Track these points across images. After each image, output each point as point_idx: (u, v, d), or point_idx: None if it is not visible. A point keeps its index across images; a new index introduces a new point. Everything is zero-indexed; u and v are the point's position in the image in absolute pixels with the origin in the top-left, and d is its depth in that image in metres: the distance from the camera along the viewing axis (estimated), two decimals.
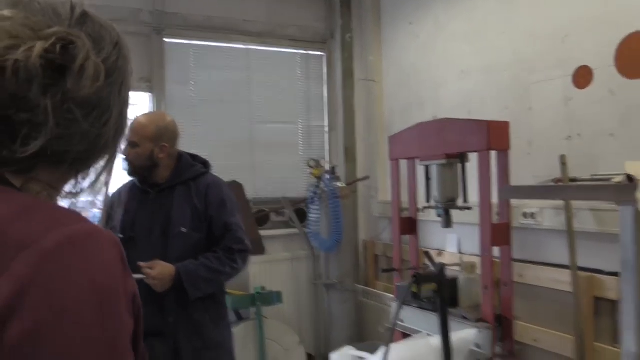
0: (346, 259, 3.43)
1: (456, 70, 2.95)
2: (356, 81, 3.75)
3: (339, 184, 3.29)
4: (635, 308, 1.34)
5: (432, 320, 2.23)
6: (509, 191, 1.09)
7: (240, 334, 3.01)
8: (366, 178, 3.54)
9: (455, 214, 2.42)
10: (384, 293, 3.30)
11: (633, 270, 1.33)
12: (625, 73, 2.07)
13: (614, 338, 2.09)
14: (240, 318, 3.22)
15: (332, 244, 3.26)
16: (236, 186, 3.10)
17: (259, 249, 3.06)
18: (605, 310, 2.13)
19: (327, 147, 3.86)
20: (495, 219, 2.17)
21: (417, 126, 2.49)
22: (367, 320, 3.44)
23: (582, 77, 2.22)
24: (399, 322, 2.61)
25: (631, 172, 0.78)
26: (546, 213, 2.32)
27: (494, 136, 2.07)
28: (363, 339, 3.41)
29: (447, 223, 2.33)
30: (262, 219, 3.51)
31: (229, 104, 3.57)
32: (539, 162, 2.36)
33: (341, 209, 3.24)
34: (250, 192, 3.39)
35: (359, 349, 2.65)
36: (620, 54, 2.08)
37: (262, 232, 3.34)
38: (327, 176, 3.30)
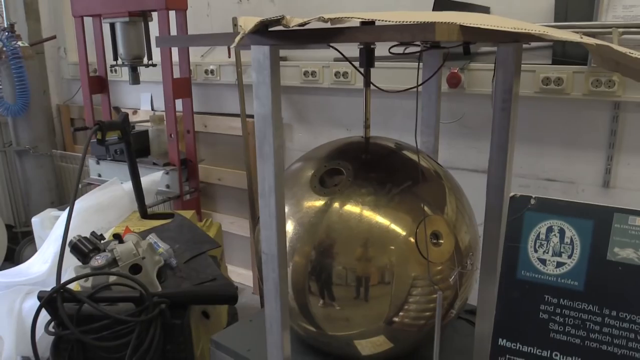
0: (38, 124, 3.31)
1: None
2: None
3: (20, 44, 3.04)
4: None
5: (127, 170, 2.44)
6: (164, 40, 1.30)
7: None
8: (52, 38, 3.34)
9: (148, 72, 2.58)
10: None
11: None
12: None
13: None
14: None
15: (18, 108, 3.08)
16: None
17: None
18: None
19: (1, 1, 3.44)
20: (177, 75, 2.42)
21: None
22: (68, 183, 3.47)
23: None
24: (97, 177, 2.77)
25: (242, 23, 1.06)
26: (223, 69, 2.66)
27: None
28: (66, 201, 3.45)
29: (135, 80, 2.49)
30: None
31: None
32: (216, 24, 2.64)
33: (25, 70, 3.04)
34: None
35: (61, 210, 2.74)
36: None
37: None
38: (5, 34, 3.01)
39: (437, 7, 1.90)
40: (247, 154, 2.58)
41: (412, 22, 0.82)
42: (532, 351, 0.88)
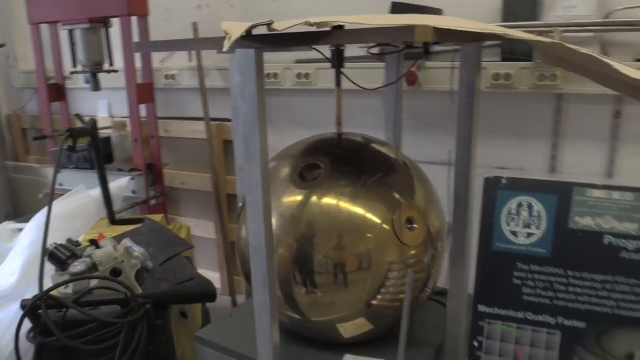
0: None
1: None
2: None
3: None
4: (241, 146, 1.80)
5: (89, 178, 2.43)
6: (142, 46, 1.34)
7: None
8: (1, 46, 3.26)
9: (105, 79, 2.57)
10: (37, 165, 3.28)
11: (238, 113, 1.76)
12: None
13: None
14: None
15: None
16: None
17: None
18: (232, 150, 2.72)
19: None
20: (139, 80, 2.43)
21: None
22: (23, 195, 3.38)
23: None
24: (60, 186, 2.73)
25: (225, 28, 1.12)
26: (184, 74, 2.69)
27: (133, 2, 2.25)
28: (22, 214, 3.36)
29: (96, 86, 2.48)
30: None
31: None
32: (175, 28, 2.67)
33: None
34: None
35: (20, 222, 2.68)
36: None
37: None
38: None
39: (394, 9, 2.02)
40: (212, 156, 2.61)
41: (394, 25, 0.91)
42: (507, 314, 0.99)
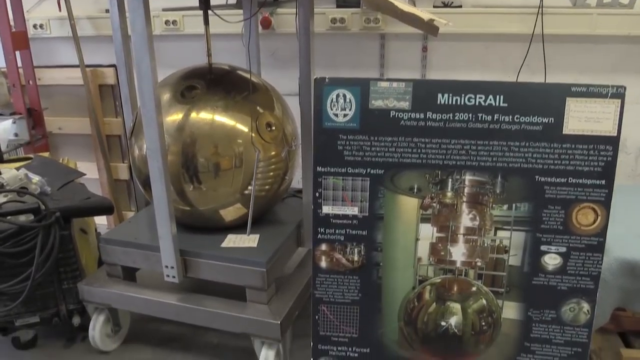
0: None
1: None
2: None
3: None
4: (126, 91, 2.09)
5: None
6: None
7: None
8: None
9: None
10: None
11: (122, 59, 2.05)
12: None
13: (116, 112, 2.97)
14: None
15: None
16: None
17: None
18: (107, 93, 2.96)
19: None
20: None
21: None
22: None
23: None
24: None
25: None
26: (53, 23, 2.84)
27: None
28: None
29: None
30: None
31: None
32: None
33: None
34: None
35: None
36: None
37: None
38: None
39: None
40: (90, 100, 2.83)
41: None
42: (335, 170, 1.49)
